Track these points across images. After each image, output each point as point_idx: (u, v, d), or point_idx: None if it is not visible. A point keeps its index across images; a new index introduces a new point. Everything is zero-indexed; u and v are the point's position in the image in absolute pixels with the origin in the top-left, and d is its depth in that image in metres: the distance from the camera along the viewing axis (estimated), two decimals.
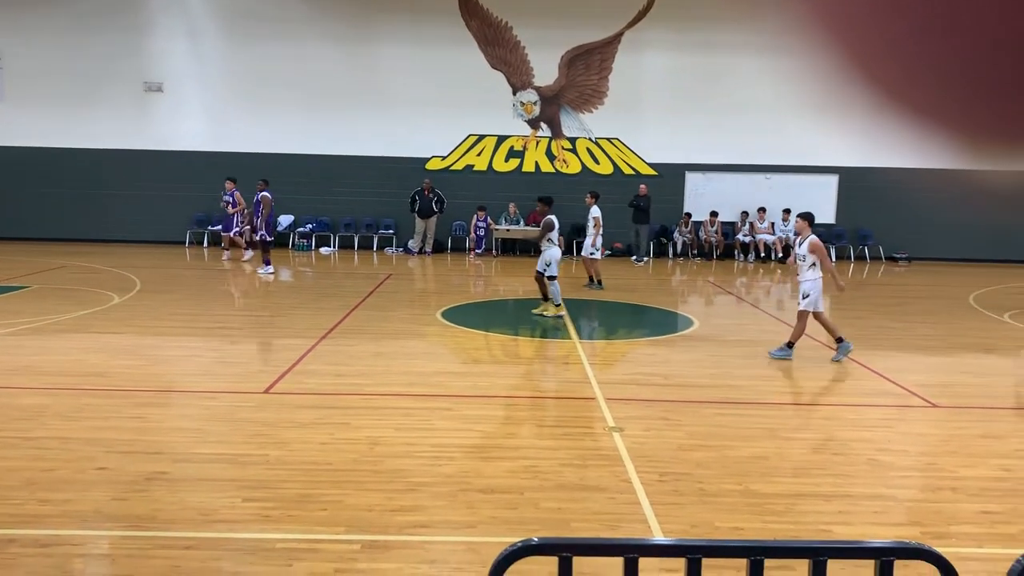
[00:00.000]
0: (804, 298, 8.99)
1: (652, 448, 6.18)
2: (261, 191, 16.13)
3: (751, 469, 5.76)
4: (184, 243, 20.50)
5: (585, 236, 14.72)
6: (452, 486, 5.27)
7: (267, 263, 15.87)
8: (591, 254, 14.44)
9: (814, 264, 8.98)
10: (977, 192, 20.18)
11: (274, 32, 20.03)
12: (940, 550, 4.73)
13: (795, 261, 9.41)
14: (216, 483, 5.27)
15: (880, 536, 4.72)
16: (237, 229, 16.93)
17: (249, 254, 17.31)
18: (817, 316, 9.07)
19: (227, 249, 18.03)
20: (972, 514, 5.19)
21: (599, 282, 14.56)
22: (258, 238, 16.23)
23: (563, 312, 11.57)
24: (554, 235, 11.45)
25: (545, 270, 11.41)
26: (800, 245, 9.19)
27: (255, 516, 4.76)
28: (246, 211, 17.41)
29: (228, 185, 17.69)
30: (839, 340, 9.11)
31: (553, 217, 11.53)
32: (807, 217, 9.21)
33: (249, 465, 5.60)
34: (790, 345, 9.17)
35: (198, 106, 20.43)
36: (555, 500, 5.11)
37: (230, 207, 17.80)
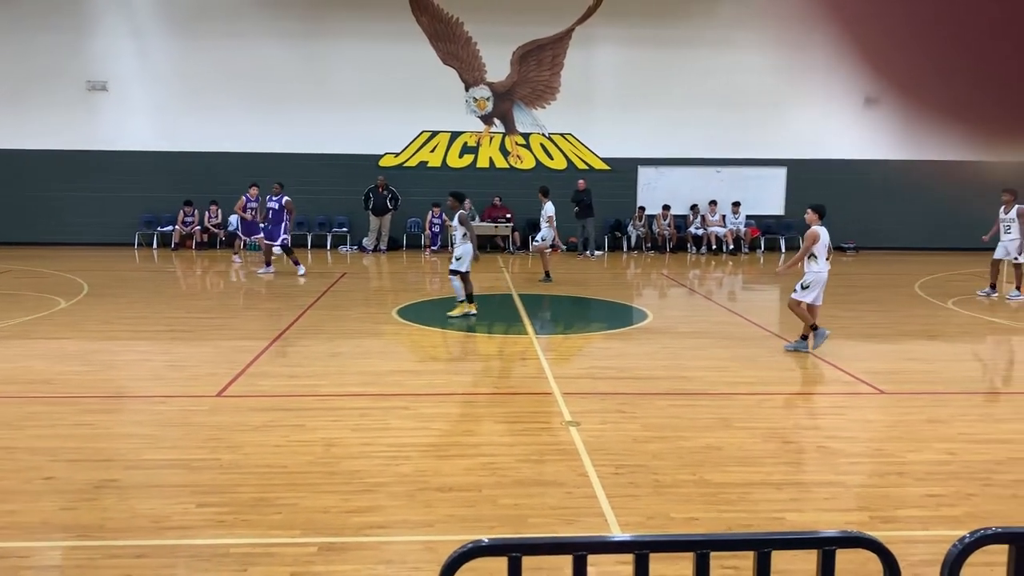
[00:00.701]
0: (804, 288, 9.12)
1: (608, 441, 6.23)
2: (280, 195, 15.65)
3: (705, 459, 5.84)
4: (133, 245, 20.11)
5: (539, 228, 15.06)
6: (409, 485, 5.25)
7: (269, 264, 15.86)
8: (541, 246, 14.98)
9: (814, 256, 9.08)
10: (920, 182, 20.69)
11: (222, 30, 19.72)
12: (888, 534, 4.85)
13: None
14: (168, 489, 5.19)
15: (830, 521, 4.82)
16: (286, 237, 15.58)
17: (269, 269, 16.11)
18: (795, 306, 9.24)
19: (268, 263, 16.09)
20: (918, 498, 5.33)
21: (547, 274, 14.98)
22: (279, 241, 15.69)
23: (469, 310, 11.30)
24: (460, 231, 11.30)
25: (456, 265, 11.23)
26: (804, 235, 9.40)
27: (208, 522, 4.69)
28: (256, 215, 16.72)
29: (253, 191, 16.78)
30: (814, 327, 9.26)
31: (465, 212, 11.44)
32: (817, 209, 9.24)
33: (202, 470, 5.52)
34: (814, 328, 9.24)
35: (144, 105, 20.04)
36: (513, 496, 5.12)
37: (256, 214, 16.86)
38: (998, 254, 13.57)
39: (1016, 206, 13.37)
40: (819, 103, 20.69)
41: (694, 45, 20.29)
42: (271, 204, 15.71)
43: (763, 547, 1.46)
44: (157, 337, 10.12)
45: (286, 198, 15.65)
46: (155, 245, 20.08)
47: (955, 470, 5.77)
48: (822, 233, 9.12)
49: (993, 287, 13.67)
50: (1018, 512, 5.09)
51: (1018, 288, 13.49)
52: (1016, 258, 13.35)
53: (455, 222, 11.30)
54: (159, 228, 20.09)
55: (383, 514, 4.82)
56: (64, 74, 19.71)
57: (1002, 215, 13.53)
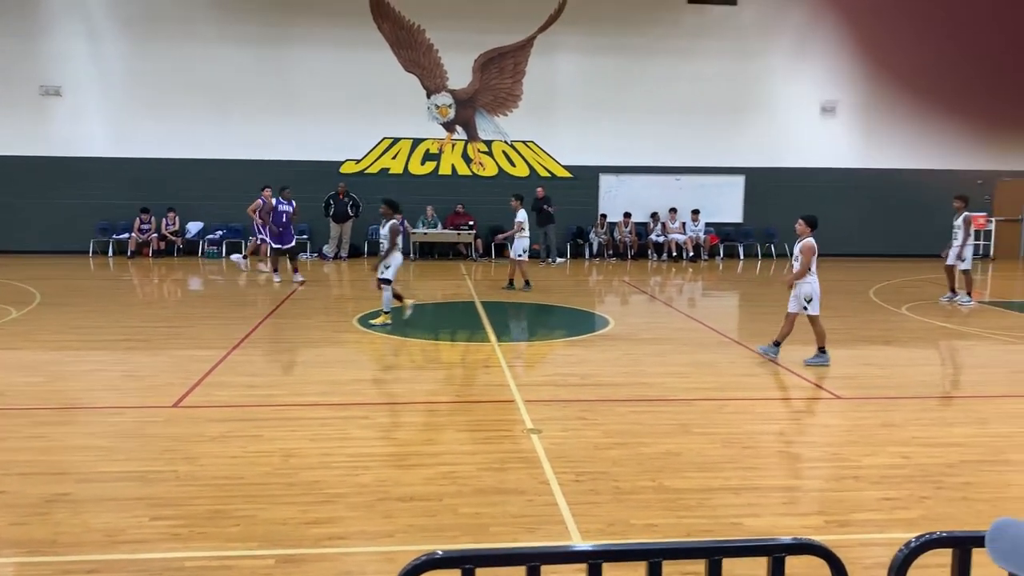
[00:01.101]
0: (808, 302, 9.11)
1: (569, 448, 6.25)
2: (273, 198, 15.67)
3: (665, 465, 5.88)
4: (87, 253, 19.74)
5: (514, 239, 14.92)
6: (369, 496, 5.21)
7: (245, 258, 16.13)
8: (519, 256, 14.78)
9: (810, 267, 9.09)
10: (875, 190, 21.11)
11: (179, 34, 19.48)
12: (844, 537, 4.91)
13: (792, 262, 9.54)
14: (122, 503, 5.09)
15: (786, 526, 4.88)
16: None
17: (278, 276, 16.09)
18: (817, 322, 9.16)
19: (296, 271, 15.88)
20: (874, 501, 5.41)
21: (527, 283, 14.85)
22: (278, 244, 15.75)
23: (390, 321, 11.11)
24: (400, 240, 11.24)
25: (384, 273, 11.09)
26: (796, 245, 9.32)
27: (164, 535, 4.62)
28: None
29: (286, 194, 16.24)
30: (777, 344, 9.34)
31: (397, 220, 11.27)
32: (810, 220, 9.17)
33: (157, 482, 5.43)
34: (822, 350, 9.17)
35: (100, 111, 19.71)
36: (474, 505, 5.11)
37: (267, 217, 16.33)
38: (950, 260, 13.89)
39: (964, 213, 13.72)
40: (777, 112, 21.05)
41: (655, 54, 20.51)
42: (283, 208, 15.67)
43: (714, 555, 1.47)
44: (112, 347, 9.94)
45: (294, 203, 15.82)
46: (111, 253, 19.73)
47: (909, 473, 5.88)
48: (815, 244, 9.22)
49: (953, 291, 13.96)
50: (968, 514, 5.20)
51: (968, 293, 13.82)
52: (960, 263, 13.72)
53: (385, 231, 11.14)
54: (115, 236, 19.74)
55: (342, 525, 4.78)
56: (17, 78, 19.32)
57: (953, 221, 13.90)
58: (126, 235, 19.62)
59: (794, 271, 9.30)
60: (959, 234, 13.68)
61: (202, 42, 19.53)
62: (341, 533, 4.67)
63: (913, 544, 1.71)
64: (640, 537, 4.68)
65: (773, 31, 20.66)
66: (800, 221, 9.23)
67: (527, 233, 14.89)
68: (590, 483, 5.50)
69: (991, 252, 21.60)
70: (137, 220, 19.51)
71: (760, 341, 9.93)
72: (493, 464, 5.85)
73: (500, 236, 15.31)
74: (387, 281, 11.10)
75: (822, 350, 9.17)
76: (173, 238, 19.74)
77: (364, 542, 4.61)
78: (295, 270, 15.69)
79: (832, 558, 1.71)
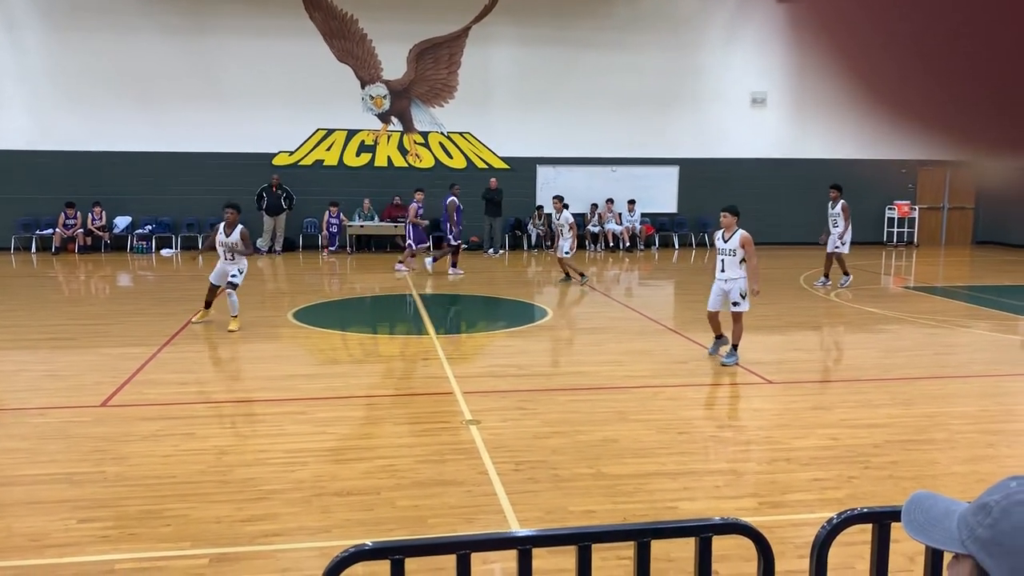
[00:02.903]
0: (743, 297, 8.54)
1: (508, 438, 6.27)
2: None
3: (602, 452, 5.94)
4: (9, 249, 19.01)
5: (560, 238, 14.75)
6: (305, 491, 5.15)
7: (406, 262, 16.38)
8: (566, 253, 14.60)
9: (743, 260, 8.57)
10: (803, 179, 21.62)
11: (102, 23, 18.85)
12: (776, 518, 5.03)
13: (720, 256, 8.74)
14: (47, 505, 4.93)
15: (720, 508, 4.98)
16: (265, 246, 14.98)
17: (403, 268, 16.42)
18: (741, 319, 8.64)
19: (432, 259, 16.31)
20: (804, 482, 5.56)
21: (581, 275, 14.72)
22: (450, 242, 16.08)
23: (239, 327, 10.29)
24: (260, 242, 10.84)
25: (235, 278, 10.34)
26: (727, 239, 8.64)
27: (92, 538, 4.49)
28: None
29: (419, 196, 16.48)
30: (719, 337, 8.96)
31: (245, 230, 10.48)
32: (735, 211, 8.67)
33: (85, 484, 5.27)
34: (735, 347, 8.72)
35: (19, 102, 18.96)
36: (412, 497, 5.09)
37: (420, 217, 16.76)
38: (830, 247, 14.43)
39: (841, 201, 14.35)
40: (709, 103, 21.38)
41: (590, 45, 20.61)
42: (447, 203, 16.09)
43: (642, 537, 1.49)
44: (37, 346, 9.61)
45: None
46: (34, 249, 19.04)
47: (838, 454, 6.05)
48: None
49: (827, 276, 14.76)
50: (893, 491, 5.37)
51: (846, 273, 14.54)
52: (838, 247, 14.29)
53: (236, 237, 10.32)
54: (38, 231, 19.06)
55: (278, 521, 4.71)
56: None
57: (830, 210, 14.51)
58: (50, 231, 18.95)
59: (732, 268, 8.59)
60: (840, 221, 14.31)
61: (126, 32, 18.94)
62: (277, 530, 4.60)
63: (835, 520, 1.76)
64: (578, 524, 4.73)
65: (704, 23, 20.96)
66: (726, 213, 8.67)
67: (569, 234, 14.57)
68: (529, 472, 5.53)
69: (915, 239, 22.34)
70: (62, 215, 18.86)
71: (694, 329, 10.10)
72: (432, 456, 5.83)
73: (556, 249, 14.93)
74: (235, 285, 10.40)
75: (735, 347, 8.74)
76: (100, 233, 19.14)
77: (300, 538, 4.55)
78: (416, 261, 16.44)
79: (758, 536, 1.74)
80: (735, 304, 8.61)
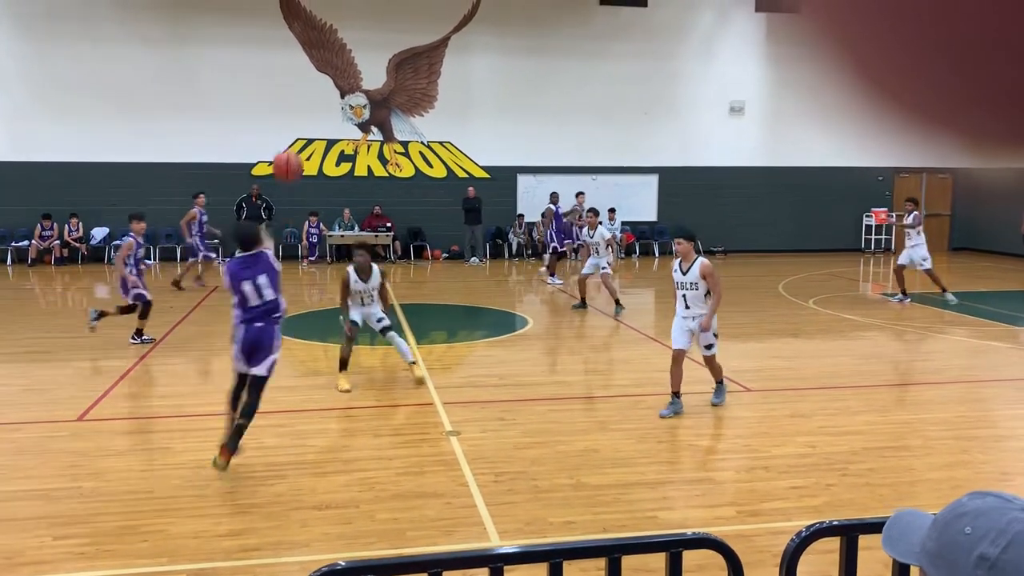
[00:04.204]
0: (716, 337, 7.39)
1: (488, 449, 6.27)
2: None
3: (582, 463, 5.95)
4: None
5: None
6: (283, 505, 5.13)
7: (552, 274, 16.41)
8: (604, 270, 12.76)
9: (707, 293, 7.23)
10: (782, 187, 21.81)
11: (80, 33, 18.71)
12: (754, 527, 5.05)
13: (682, 291, 7.34)
14: (22, 522, 4.88)
15: (698, 517, 5.01)
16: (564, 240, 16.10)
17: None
18: (683, 355, 7.37)
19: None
20: (782, 490, 5.60)
21: (617, 302, 12.76)
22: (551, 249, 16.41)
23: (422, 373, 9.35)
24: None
25: (384, 320, 8.83)
26: (686, 271, 7.28)
27: (67, 554, 4.45)
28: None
29: (580, 199, 16.89)
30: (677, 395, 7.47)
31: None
32: (690, 235, 7.33)
33: (60, 500, 5.22)
34: (721, 383, 7.68)
35: None
36: (391, 511, 5.08)
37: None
38: (903, 260, 13.81)
39: (914, 212, 13.61)
40: (688, 112, 21.53)
41: (569, 55, 20.70)
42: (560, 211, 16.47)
43: (613, 553, 1.51)
44: (12, 359, 9.51)
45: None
46: (9, 262, 18.83)
47: (815, 462, 6.10)
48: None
49: (904, 292, 14.08)
50: (871, 498, 5.43)
51: (943, 289, 13.52)
52: (921, 263, 13.51)
53: (377, 280, 8.83)
54: (13, 243, 18.86)
55: (257, 536, 4.69)
56: None
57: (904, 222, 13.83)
58: (26, 243, 18.76)
59: (697, 304, 7.27)
60: (912, 234, 13.50)
61: (104, 42, 18.82)
62: (255, 544, 4.58)
63: (804, 534, 1.78)
64: (558, 535, 4.73)
65: (683, 33, 21.12)
66: (680, 240, 7.28)
67: (607, 250, 12.94)
68: (509, 483, 5.53)
69: (892, 246, 22.56)
70: (38, 227, 18.68)
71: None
72: (411, 468, 5.82)
73: (610, 266, 13.08)
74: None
75: (720, 383, 7.70)
76: (77, 245, 18.97)
77: (279, 552, 4.53)
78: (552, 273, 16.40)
79: (727, 550, 1.76)
80: (708, 347, 7.33)
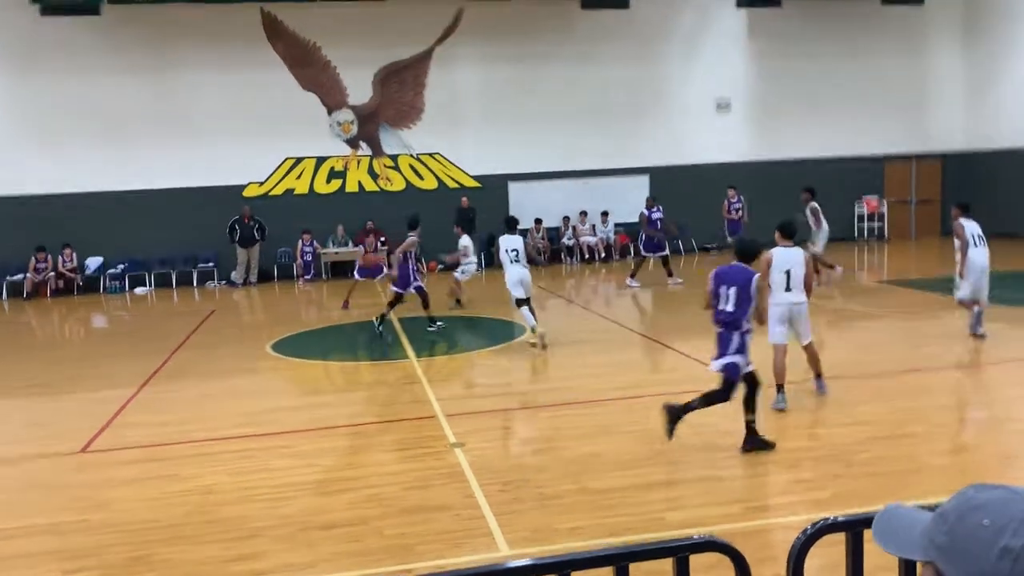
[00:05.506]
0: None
1: (493, 459, 6.27)
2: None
3: (587, 467, 5.96)
4: None
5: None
6: (292, 527, 5.12)
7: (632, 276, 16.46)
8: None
9: (769, 286, 7.11)
10: (773, 181, 21.85)
11: (63, 62, 18.69)
12: (762, 523, 5.06)
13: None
14: (30, 558, 4.87)
15: (706, 516, 5.01)
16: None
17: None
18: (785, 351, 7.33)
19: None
20: (788, 484, 5.62)
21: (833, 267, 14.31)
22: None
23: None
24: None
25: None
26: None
27: None
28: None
29: (731, 193, 17.17)
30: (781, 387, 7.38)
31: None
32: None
33: (68, 533, 5.21)
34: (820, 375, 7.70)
35: None
36: (399, 525, 5.08)
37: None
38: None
39: (811, 203, 14.73)
40: (675, 111, 21.58)
41: (553, 60, 20.75)
42: (656, 215, 16.53)
43: (619, 561, 1.52)
44: (13, 394, 9.50)
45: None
46: (5, 296, 18.81)
47: (820, 455, 6.11)
48: (776, 255, 7.24)
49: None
50: (877, 488, 5.43)
51: (829, 267, 14.41)
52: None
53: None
54: (8, 277, 18.84)
55: (265, 559, 4.69)
56: None
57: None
58: (20, 276, 18.74)
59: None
60: (811, 223, 14.58)
61: (89, 70, 18.83)
62: (264, 568, 4.58)
63: (809, 531, 1.80)
64: (565, 541, 4.74)
65: (666, 32, 21.18)
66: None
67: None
68: (514, 492, 5.54)
69: (885, 233, 22.60)
70: (32, 260, 18.65)
71: (673, 336, 10.12)
72: (418, 482, 5.82)
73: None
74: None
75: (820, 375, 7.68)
76: (72, 275, 18.95)
77: (288, 574, 4.53)
78: (670, 274, 16.20)
79: (734, 553, 1.77)
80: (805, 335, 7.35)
